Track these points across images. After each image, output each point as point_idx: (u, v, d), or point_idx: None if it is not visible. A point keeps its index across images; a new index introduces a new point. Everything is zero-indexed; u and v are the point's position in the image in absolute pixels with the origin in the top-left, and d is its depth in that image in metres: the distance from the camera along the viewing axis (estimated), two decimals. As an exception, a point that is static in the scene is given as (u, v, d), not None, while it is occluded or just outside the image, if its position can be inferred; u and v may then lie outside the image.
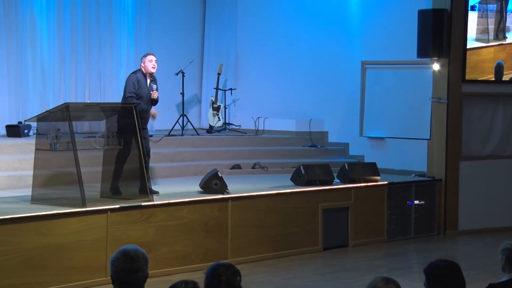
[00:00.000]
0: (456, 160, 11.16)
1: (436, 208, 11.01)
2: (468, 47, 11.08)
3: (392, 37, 11.69)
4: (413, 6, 11.11)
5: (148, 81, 9.03)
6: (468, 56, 11.07)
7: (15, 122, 11.08)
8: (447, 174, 11.08)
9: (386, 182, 10.49)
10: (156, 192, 8.89)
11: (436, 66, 11.06)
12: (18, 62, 11.40)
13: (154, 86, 9.04)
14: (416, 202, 10.80)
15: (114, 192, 8.62)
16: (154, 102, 9.08)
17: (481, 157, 11.45)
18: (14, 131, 10.81)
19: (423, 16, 10.88)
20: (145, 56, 9.08)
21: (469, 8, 11.02)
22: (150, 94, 8.98)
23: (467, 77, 11.10)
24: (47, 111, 8.50)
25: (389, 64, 11.86)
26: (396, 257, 9.65)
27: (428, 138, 11.27)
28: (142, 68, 9.02)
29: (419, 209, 10.83)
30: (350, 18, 12.34)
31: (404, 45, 11.36)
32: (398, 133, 11.71)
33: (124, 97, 8.91)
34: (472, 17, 11.08)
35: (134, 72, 9.07)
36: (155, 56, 9.09)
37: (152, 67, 8.99)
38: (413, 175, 11.26)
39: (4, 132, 11.00)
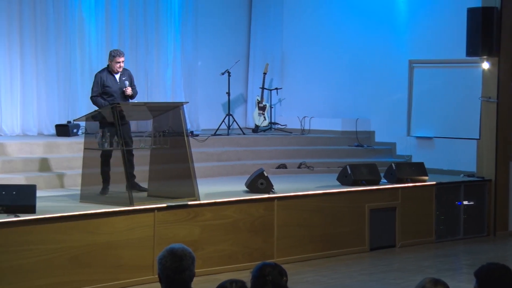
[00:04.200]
0: (506, 160, 10.97)
1: (485, 209, 10.83)
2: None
3: (440, 36, 11.54)
4: (462, 4, 10.95)
5: (118, 76, 8.90)
6: None
7: (64, 122, 11.25)
8: (497, 174, 10.89)
9: (434, 182, 10.36)
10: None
11: (485, 65, 10.88)
12: (67, 62, 11.57)
13: (127, 83, 8.92)
14: (465, 202, 10.64)
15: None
16: (131, 97, 8.97)
17: (532, 157, 11.24)
18: (64, 130, 10.97)
19: (472, 14, 10.72)
20: (113, 56, 8.86)
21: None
22: (123, 90, 8.89)
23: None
24: (95, 110, 8.59)
25: (437, 63, 11.72)
26: (445, 258, 9.52)
27: (478, 137, 11.10)
28: (110, 66, 8.94)
29: (468, 210, 10.67)
30: (397, 17, 12.22)
31: (453, 44, 11.21)
32: (446, 132, 11.56)
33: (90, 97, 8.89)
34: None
35: (100, 71, 8.96)
36: (123, 56, 8.92)
37: (118, 67, 8.85)
38: (462, 175, 11.10)
39: (53, 131, 11.17)
